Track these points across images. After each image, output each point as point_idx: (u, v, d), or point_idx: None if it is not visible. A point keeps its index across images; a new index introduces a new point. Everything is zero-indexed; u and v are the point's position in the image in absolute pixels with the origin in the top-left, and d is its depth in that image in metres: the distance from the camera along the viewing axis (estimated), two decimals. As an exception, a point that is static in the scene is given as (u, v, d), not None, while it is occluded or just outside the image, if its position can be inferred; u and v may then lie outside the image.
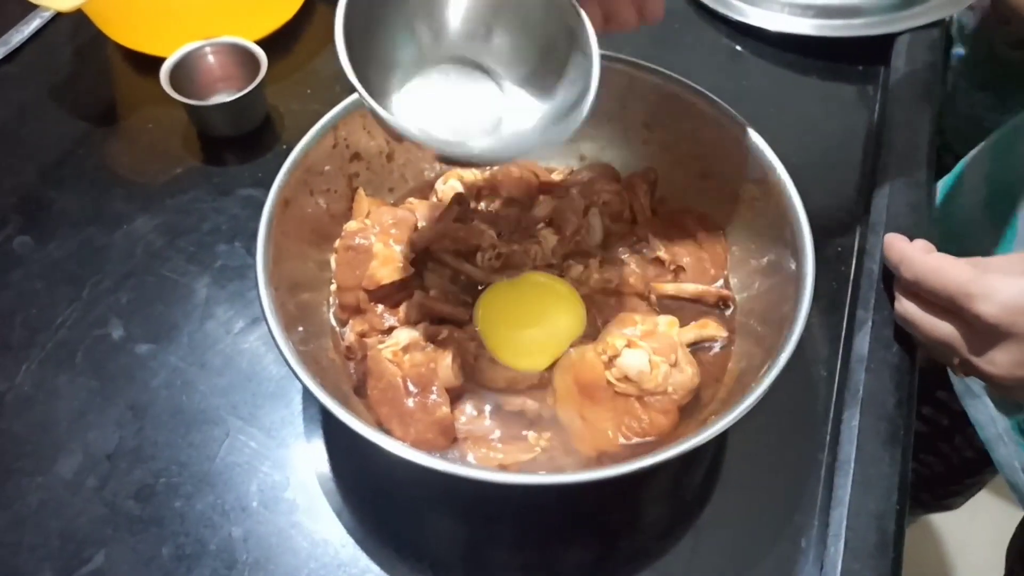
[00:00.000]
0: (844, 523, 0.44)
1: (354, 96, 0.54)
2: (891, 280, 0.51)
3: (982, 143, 0.71)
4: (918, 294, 0.48)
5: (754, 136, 0.52)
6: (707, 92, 0.54)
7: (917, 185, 0.59)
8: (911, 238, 0.50)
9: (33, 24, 0.73)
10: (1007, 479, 0.65)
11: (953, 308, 0.45)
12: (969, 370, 0.46)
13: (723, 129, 0.53)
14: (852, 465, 0.46)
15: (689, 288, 0.52)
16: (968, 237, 0.66)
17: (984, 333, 0.44)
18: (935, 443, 0.80)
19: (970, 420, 0.66)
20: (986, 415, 0.64)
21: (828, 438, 0.51)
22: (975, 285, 0.43)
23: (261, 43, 0.66)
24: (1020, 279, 0.43)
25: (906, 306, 0.49)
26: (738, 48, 0.74)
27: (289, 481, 0.49)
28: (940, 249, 0.49)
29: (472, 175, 0.56)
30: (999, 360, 0.44)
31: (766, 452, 0.51)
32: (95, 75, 0.73)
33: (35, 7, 0.72)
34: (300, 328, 0.47)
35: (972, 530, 1.22)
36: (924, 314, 0.48)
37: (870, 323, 0.52)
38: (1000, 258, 0.46)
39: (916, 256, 0.48)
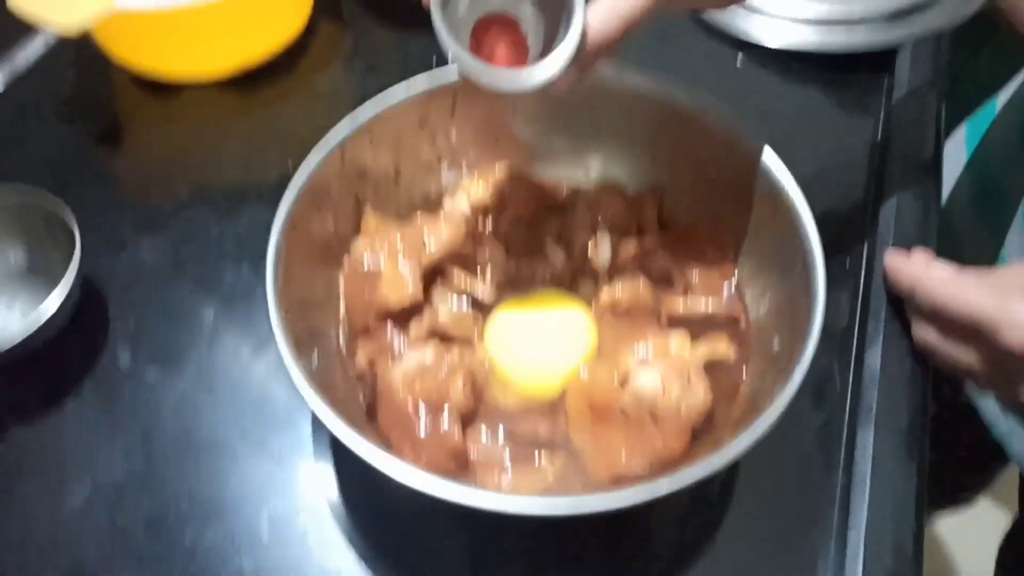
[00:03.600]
0: (862, 544, 0.44)
1: (358, 112, 0.53)
2: (901, 299, 0.50)
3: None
4: (936, 320, 0.46)
5: (766, 151, 0.52)
6: (717, 104, 0.53)
7: (923, 196, 0.59)
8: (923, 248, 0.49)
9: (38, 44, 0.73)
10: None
11: (976, 336, 0.44)
12: (998, 395, 0.45)
13: (733, 144, 0.53)
14: (868, 485, 0.46)
15: (700, 306, 0.52)
16: (1005, 176, 0.62)
17: (1012, 363, 0.43)
18: (941, 436, 0.79)
19: (979, 415, 0.64)
20: (995, 411, 0.63)
21: (843, 457, 0.50)
22: (1000, 313, 0.42)
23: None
24: None
25: (925, 333, 0.48)
26: (740, 61, 0.74)
27: (299, 509, 0.49)
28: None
29: (479, 193, 0.55)
30: None
31: (779, 473, 0.50)
32: (99, 95, 0.72)
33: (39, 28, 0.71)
34: (310, 351, 0.46)
35: (967, 538, 1.20)
36: (945, 342, 0.46)
37: (881, 337, 0.51)
38: (1019, 269, 0.45)
39: (931, 282, 0.46)
